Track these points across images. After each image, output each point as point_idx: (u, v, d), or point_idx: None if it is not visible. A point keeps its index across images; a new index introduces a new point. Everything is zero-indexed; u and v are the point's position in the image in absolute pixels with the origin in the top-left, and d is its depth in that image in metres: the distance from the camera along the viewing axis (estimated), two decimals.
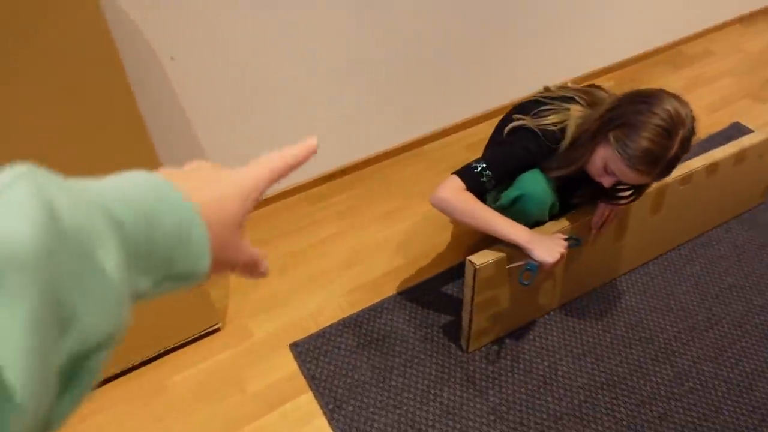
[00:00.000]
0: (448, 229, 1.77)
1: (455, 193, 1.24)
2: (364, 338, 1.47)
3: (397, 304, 1.55)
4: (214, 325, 1.46)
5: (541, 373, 1.40)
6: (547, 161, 1.30)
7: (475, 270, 1.22)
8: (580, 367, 1.41)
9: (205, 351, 1.44)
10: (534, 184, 1.29)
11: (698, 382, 1.38)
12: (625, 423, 1.30)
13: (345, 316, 1.52)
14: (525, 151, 1.28)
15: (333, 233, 1.76)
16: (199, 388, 1.37)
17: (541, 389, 1.36)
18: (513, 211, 1.32)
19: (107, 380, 1.38)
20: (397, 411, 1.32)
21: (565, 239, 1.26)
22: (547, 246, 1.21)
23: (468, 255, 1.24)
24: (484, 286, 1.27)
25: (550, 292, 1.46)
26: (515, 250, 1.24)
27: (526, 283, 1.25)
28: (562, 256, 1.21)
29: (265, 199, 1.82)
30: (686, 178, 1.48)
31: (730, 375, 1.40)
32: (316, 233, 1.76)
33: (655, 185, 1.40)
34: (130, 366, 1.39)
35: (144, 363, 1.41)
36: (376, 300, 1.56)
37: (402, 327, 1.49)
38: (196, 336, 1.45)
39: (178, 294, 1.05)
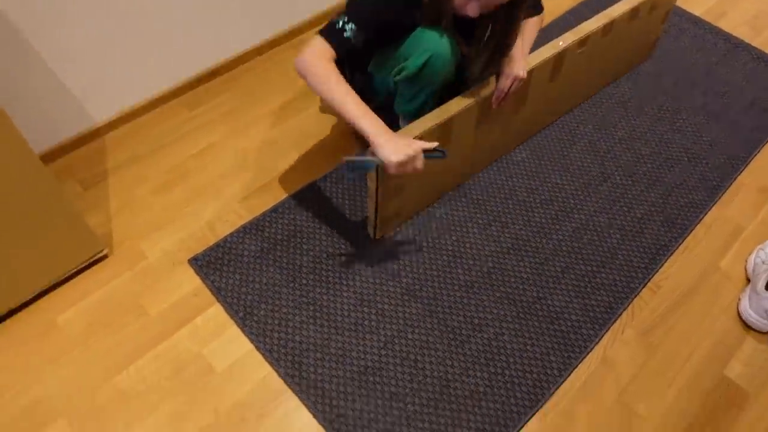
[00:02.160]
0: (343, 121, 1.67)
1: (317, 58, 1.09)
2: (267, 242, 1.40)
3: (299, 202, 1.47)
4: (100, 252, 1.33)
5: (450, 247, 1.40)
6: (416, 13, 1.21)
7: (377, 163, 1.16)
8: (487, 236, 1.43)
9: (94, 281, 1.32)
10: (437, 42, 1.20)
11: (595, 233, 1.45)
12: (531, 281, 1.35)
13: (244, 222, 1.43)
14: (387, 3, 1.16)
15: (218, 138, 1.61)
16: (94, 320, 1.26)
17: (451, 263, 1.37)
18: (422, 78, 1.25)
19: None
20: (311, 307, 1.29)
21: (427, 150, 1.10)
22: (395, 145, 1.05)
23: (368, 146, 1.17)
24: (388, 175, 1.21)
25: (454, 170, 1.43)
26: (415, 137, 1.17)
27: (350, 177, 1.17)
28: (409, 159, 1.06)
29: (136, 110, 1.62)
30: (583, 41, 1.44)
31: (623, 223, 1.47)
32: (200, 140, 1.61)
33: (552, 51, 1.36)
34: (10, 309, 1.25)
35: (26, 304, 1.27)
36: (276, 201, 1.47)
37: (306, 224, 1.43)
38: (81, 267, 1.32)
39: (51, 224, 0.85)
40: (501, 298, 1.31)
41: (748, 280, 1.37)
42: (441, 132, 1.24)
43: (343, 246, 1.39)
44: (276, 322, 1.26)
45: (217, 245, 1.39)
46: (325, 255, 1.38)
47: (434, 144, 1.13)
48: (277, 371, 1.19)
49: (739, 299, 1.33)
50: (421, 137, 1.19)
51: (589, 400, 1.18)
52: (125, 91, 1.58)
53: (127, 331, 1.25)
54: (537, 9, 1.37)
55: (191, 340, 1.23)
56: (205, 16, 1.62)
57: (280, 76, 1.78)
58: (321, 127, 1.64)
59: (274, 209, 1.46)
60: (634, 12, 1.54)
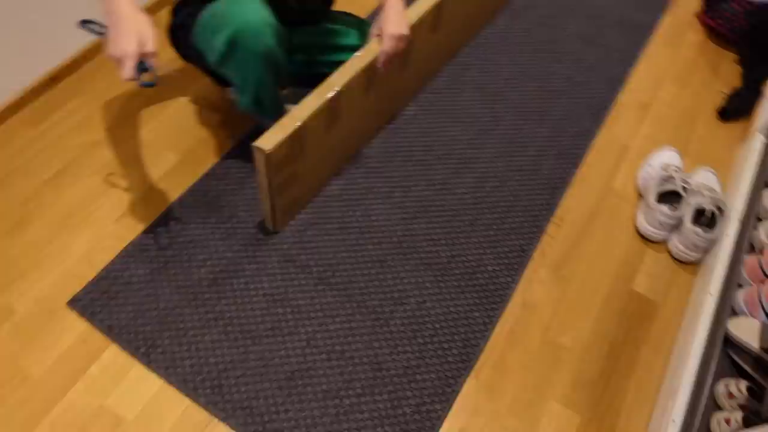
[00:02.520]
0: (220, 110, 1.52)
1: None
2: (156, 261, 1.26)
3: (184, 209, 1.33)
4: None
5: (356, 224, 1.33)
6: None
7: (267, 156, 1.05)
8: (392, 204, 1.37)
9: None
10: (244, 13, 1.02)
11: (496, 179, 1.44)
12: (442, 241, 1.32)
13: (125, 245, 1.27)
14: None
15: (75, 154, 1.41)
16: None
17: (360, 240, 1.31)
18: (236, 61, 1.08)
19: None
20: (220, 322, 1.18)
21: (138, 78, 0.92)
22: (116, 37, 0.88)
23: (245, 136, 1.05)
24: (278, 168, 1.11)
25: (344, 142, 1.35)
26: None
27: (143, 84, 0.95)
28: (118, 60, 0.88)
29: None
30: (436, 21, 1.38)
31: (520, 163, 1.47)
32: (54, 161, 1.40)
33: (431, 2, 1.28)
34: None
35: None
36: (158, 213, 1.32)
37: (197, 232, 1.30)
38: None
39: None
40: (417, 266, 1.28)
41: (641, 196, 1.42)
42: (330, 111, 1.15)
43: (242, 247, 1.28)
44: (184, 348, 1.15)
45: (99, 278, 1.23)
46: (224, 261, 1.26)
47: (151, 63, 0.92)
48: (196, 401, 1.09)
49: (636, 216, 1.38)
50: (305, 125, 1.09)
51: (518, 347, 1.19)
52: None
53: (11, 402, 1.08)
54: None
55: (90, 394, 1.09)
56: (32, 16, 1.38)
57: None
58: (196, 119, 1.49)
59: (156, 223, 1.31)
60: None
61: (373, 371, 1.14)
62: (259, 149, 1.05)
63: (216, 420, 1.07)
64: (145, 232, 1.29)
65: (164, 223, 1.31)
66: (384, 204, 1.37)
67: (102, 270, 1.24)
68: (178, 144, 1.45)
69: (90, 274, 1.23)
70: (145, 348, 1.14)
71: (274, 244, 1.29)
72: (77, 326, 1.16)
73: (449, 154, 1.48)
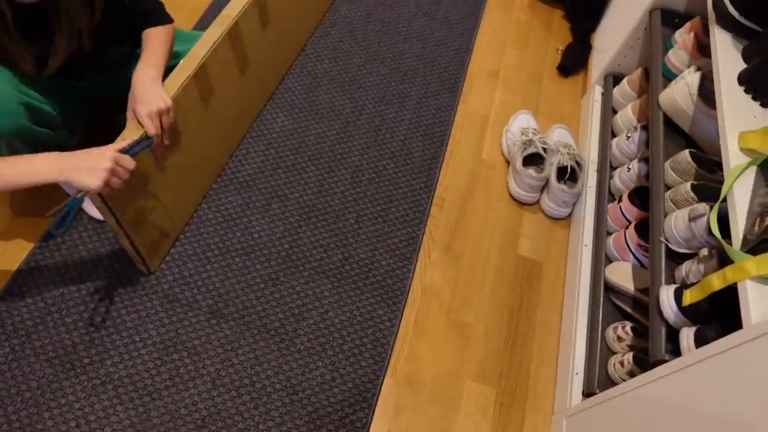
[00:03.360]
0: None
1: None
2: (16, 335, 1.09)
3: (34, 271, 1.17)
4: None
5: (238, 245, 1.26)
6: None
7: (100, 194, 0.93)
8: (271, 217, 1.31)
9: None
10: None
11: (372, 171, 1.43)
12: (332, 245, 1.29)
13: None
14: None
15: None
16: None
17: (246, 262, 1.24)
18: None
19: None
20: (109, 385, 1.06)
21: (123, 149, 0.92)
22: (87, 167, 0.87)
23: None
24: (118, 201, 0.99)
25: (201, 163, 1.25)
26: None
27: (59, 231, 0.96)
28: (115, 173, 0.89)
29: None
30: (264, 18, 1.30)
31: (392, 150, 1.47)
32: None
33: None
34: None
35: None
36: (3, 283, 1.15)
37: (58, 292, 1.15)
38: None
39: None
40: (311, 276, 1.24)
41: (508, 163, 1.50)
42: (173, 133, 1.05)
43: (117, 298, 1.16)
44: (72, 425, 1.02)
45: None
46: (98, 319, 1.13)
47: (135, 136, 0.96)
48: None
49: (507, 182, 1.46)
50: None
51: (426, 334, 1.21)
52: None
53: None
54: (158, 18, 1.08)
55: None
56: None
57: None
58: None
59: (5, 293, 1.13)
60: None
61: (289, 396, 1.10)
62: (90, 191, 0.92)
63: None
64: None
65: (16, 292, 1.14)
66: (263, 218, 1.31)
67: None
68: (7, 198, 1.26)
69: None
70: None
71: (152, 286, 1.18)
72: None
73: (319, 153, 1.44)
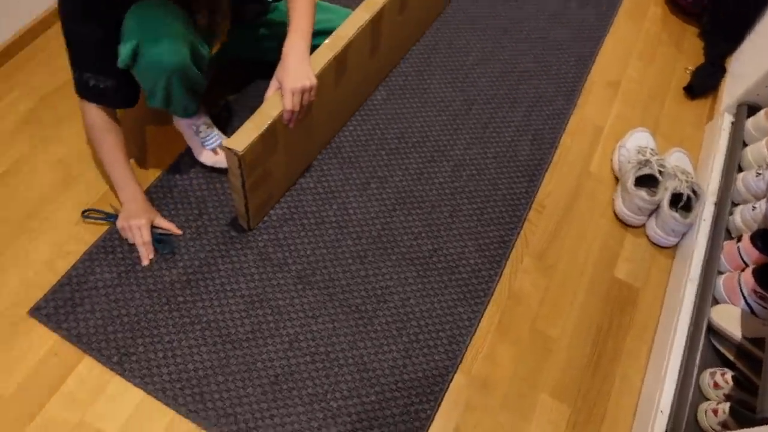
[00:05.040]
0: None
1: (88, 128, 1.12)
2: (123, 263, 1.18)
3: (151, 205, 1.26)
4: None
5: (333, 218, 1.29)
6: None
7: (240, 157, 0.98)
8: (368, 197, 1.33)
9: None
10: (153, 25, 0.98)
11: (473, 167, 1.41)
12: (423, 234, 1.29)
13: (87, 247, 1.19)
14: (83, 21, 0.99)
15: (24, 150, 1.30)
16: None
17: (338, 236, 1.27)
18: (141, 69, 1.03)
19: None
20: (197, 326, 1.13)
21: (157, 244, 1.20)
22: (126, 222, 1.17)
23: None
24: (252, 167, 1.05)
25: (316, 133, 1.29)
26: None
27: (166, 252, 1.20)
28: (132, 237, 1.18)
29: None
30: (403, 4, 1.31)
31: (496, 149, 1.45)
32: (2, 158, 1.29)
33: (369, 25, 1.20)
34: None
35: None
36: (119, 210, 1.24)
37: (159, 236, 1.23)
38: None
39: None
40: (398, 261, 1.25)
41: (617, 180, 1.43)
42: (308, 110, 1.09)
43: (215, 246, 1.22)
44: (160, 355, 1.09)
45: (62, 284, 1.15)
46: (197, 262, 1.20)
47: (171, 230, 1.21)
48: (178, 411, 1.04)
49: (614, 200, 1.39)
50: (276, 122, 1.02)
51: (508, 339, 1.19)
52: None
53: None
54: None
55: (68, 409, 1.03)
56: None
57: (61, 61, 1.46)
58: (151, 114, 1.39)
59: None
60: None
61: (359, 372, 1.11)
62: (231, 150, 0.98)
63: (202, 430, 1.03)
64: (109, 232, 1.21)
65: None
66: (361, 196, 1.33)
67: (64, 275, 1.16)
68: (140, 132, 1.36)
69: (52, 280, 1.15)
70: (118, 357, 1.08)
71: (249, 242, 1.24)
72: (45, 337, 1.09)
73: (423, 141, 1.44)
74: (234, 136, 0.99)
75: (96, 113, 1.09)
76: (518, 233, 1.31)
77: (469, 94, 1.54)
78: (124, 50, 0.98)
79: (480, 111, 1.51)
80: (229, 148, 0.97)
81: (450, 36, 1.65)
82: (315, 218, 1.28)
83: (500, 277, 1.25)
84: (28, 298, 1.13)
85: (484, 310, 1.21)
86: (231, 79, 1.44)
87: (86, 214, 1.22)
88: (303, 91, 1.02)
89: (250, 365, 1.10)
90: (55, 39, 1.49)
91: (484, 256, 1.27)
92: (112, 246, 1.20)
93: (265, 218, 1.27)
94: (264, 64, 1.40)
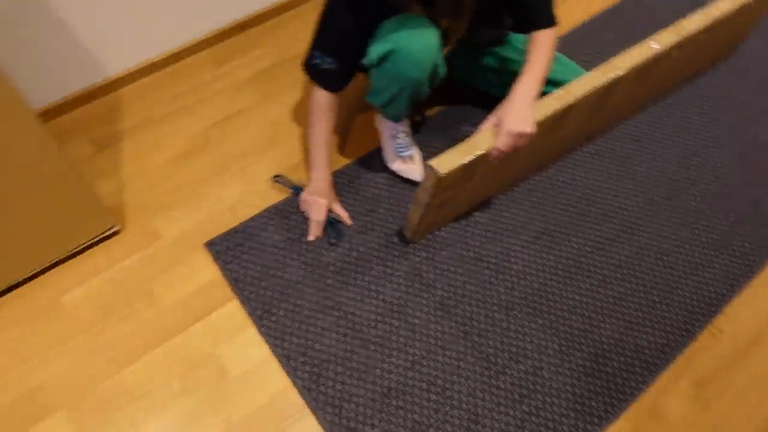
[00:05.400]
0: None
1: (311, 106, 1.17)
2: (293, 231, 1.27)
3: (334, 188, 1.33)
4: (111, 228, 1.22)
5: (493, 260, 1.26)
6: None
7: (438, 178, 1.00)
8: (535, 251, 1.28)
9: (103, 259, 1.22)
10: (411, 37, 1.01)
11: (658, 260, 1.29)
12: (579, 310, 1.21)
13: (268, 205, 1.30)
14: (339, 6, 1.04)
15: (246, 104, 1.45)
16: (101, 303, 1.17)
17: (492, 279, 1.24)
18: (383, 72, 1.08)
19: None
20: (335, 312, 1.18)
21: (329, 225, 1.26)
22: (308, 204, 1.25)
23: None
24: (444, 190, 1.06)
25: (509, 172, 1.27)
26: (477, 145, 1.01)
27: (334, 238, 1.27)
28: (311, 215, 1.25)
29: (156, 63, 1.46)
30: (682, 43, 1.22)
31: (692, 249, 1.31)
32: (225, 105, 1.45)
33: (645, 55, 1.14)
34: (10, 285, 1.16)
35: (28, 279, 1.18)
36: (304, 185, 1.33)
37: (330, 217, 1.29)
38: (89, 242, 1.21)
39: (55, 191, 0.94)
40: (543, 326, 1.19)
41: None
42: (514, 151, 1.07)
43: (374, 246, 1.26)
44: (296, 325, 1.16)
45: (237, 230, 1.26)
46: (354, 254, 1.25)
47: (343, 218, 1.27)
48: (294, 382, 1.10)
49: None
50: (484, 155, 1.02)
51: None
52: (143, 40, 1.41)
53: (137, 320, 1.15)
54: (546, 21, 1.09)
55: (205, 338, 1.14)
56: None
57: None
58: (362, 103, 1.47)
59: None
60: (736, 11, 1.30)
61: (469, 422, 1.08)
62: (433, 169, 1.00)
63: (307, 409, 1.07)
64: (289, 199, 1.31)
65: None
66: (528, 247, 1.28)
67: (242, 223, 1.27)
68: (346, 117, 1.44)
69: (231, 223, 1.27)
70: (261, 311, 1.17)
71: (406, 254, 1.26)
72: (209, 270, 1.21)
73: (614, 213, 1.35)
74: (440, 158, 1.00)
75: (322, 95, 1.16)
76: (684, 349, 1.18)
77: (679, 182, 1.41)
78: (375, 51, 1.04)
79: (688, 201, 1.37)
80: (431, 167, 0.99)
81: (679, 114, 1.52)
82: (475, 253, 1.27)
83: (648, 388, 1.14)
84: (207, 231, 1.26)
85: (619, 414, 1.10)
86: (440, 94, 1.47)
87: (276, 178, 1.32)
88: (520, 136, 1.00)
89: (370, 369, 1.12)
90: (307, 14, 1.63)
91: (638, 358, 1.16)
92: (288, 213, 1.29)
93: (429, 237, 1.28)
94: (476, 91, 1.41)
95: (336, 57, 1.11)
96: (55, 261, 1.18)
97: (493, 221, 1.31)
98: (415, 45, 1.02)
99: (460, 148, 1.02)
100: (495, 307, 1.20)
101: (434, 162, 1.00)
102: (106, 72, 1.39)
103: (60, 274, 1.19)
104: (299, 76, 1.51)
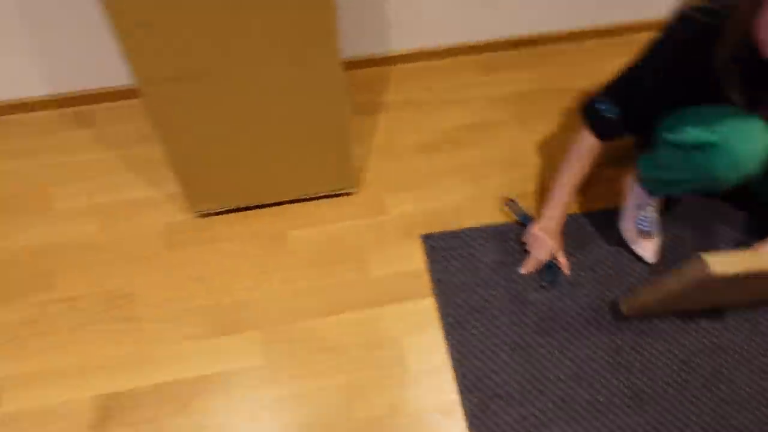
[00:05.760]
0: None
1: (573, 146, 1.15)
2: (506, 254, 1.26)
3: (566, 226, 1.30)
4: (349, 189, 1.29)
5: (702, 372, 1.15)
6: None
7: (706, 274, 0.92)
8: (755, 386, 1.15)
9: (333, 213, 1.29)
10: (740, 136, 0.91)
11: None
12: None
13: (491, 221, 1.30)
14: (655, 69, 0.99)
15: (500, 118, 1.46)
16: (318, 251, 1.25)
17: (704, 389, 1.13)
18: (687, 159, 0.99)
19: (230, 210, 1.28)
20: (523, 352, 1.15)
21: (546, 268, 1.23)
22: (534, 242, 1.22)
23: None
24: (698, 286, 0.99)
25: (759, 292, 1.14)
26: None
27: (547, 281, 1.22)
28: (532, 254, 1.23)
29: (436, 52, 1.51)
30: None
31: None
32: (480, 113, 1.47)
33: None
34: (255, 204, 1.28)
35: (268, 206, 1.29)
36: (532, 215, 1.31)
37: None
38: (327, 194, 1.29)
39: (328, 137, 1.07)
40: None
41: None
42: None
43: (583, 304, 1.21)
44: (481, 348, 1.15)
45: (455, 234, 1.28)
46: (560, 304, 1.21)
47: (563, 266, 1.22)
48: (461, 401, 1.09)
49: None
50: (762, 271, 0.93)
51: None
52: (433, 28, 1.47)
53: (343, 279, 1.21)
54: None
55: (395, 322, 1.17)
56: None
57: (591, 70, 1.54)
58: (611, 153, 1.41)
59: (528, 221, 1.30)
60: None
61: None
62: (706, 264, 0.92)
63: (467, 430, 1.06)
64: (515, 226, 1.29)
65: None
66: (753, 379, 1.15)
67: (462, 229, 1.28)
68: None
69: (452, 224, 1.29)
70: (454, 321, 1.17)
71: (614, 326, 1.19)
72: (418, 260, 1.24)
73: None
74: (719, 256, 0.92)
75: (589, 139, 1.13)
76: None
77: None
78: (695, 135, 0.97)
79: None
80: (705, 261, 0.92)
81: None
82: (685, 357, 1.16)
83: None
84: (428, 222, 1.29)
85: None
86: None
87: (508, 204, 1.31)
88: None
89: (539, 426, 1.08)
90: (593, 50, 1.59)
91: None
92: (507, 236, 1.28)
93: (643, 319, 1.20)
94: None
95: (622, 109, 1.06)
96: (295, 198, 1.28)
97: (717, 333, 1.20)
98: (743, 146, 0.92)
99: (744, 256, 0.93)
100: (696, 427, 1.10)
101: (711, 258, 0.92)
102: (390, 45, 1.48)
103: (294, 211, 1.29)
104: (556, 110, 1.48)
